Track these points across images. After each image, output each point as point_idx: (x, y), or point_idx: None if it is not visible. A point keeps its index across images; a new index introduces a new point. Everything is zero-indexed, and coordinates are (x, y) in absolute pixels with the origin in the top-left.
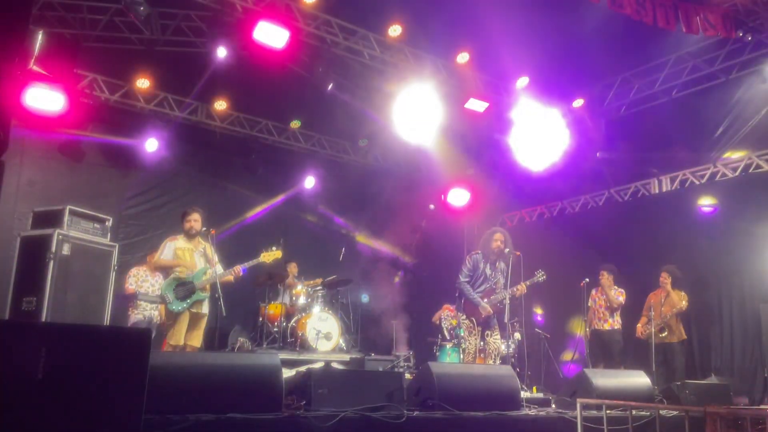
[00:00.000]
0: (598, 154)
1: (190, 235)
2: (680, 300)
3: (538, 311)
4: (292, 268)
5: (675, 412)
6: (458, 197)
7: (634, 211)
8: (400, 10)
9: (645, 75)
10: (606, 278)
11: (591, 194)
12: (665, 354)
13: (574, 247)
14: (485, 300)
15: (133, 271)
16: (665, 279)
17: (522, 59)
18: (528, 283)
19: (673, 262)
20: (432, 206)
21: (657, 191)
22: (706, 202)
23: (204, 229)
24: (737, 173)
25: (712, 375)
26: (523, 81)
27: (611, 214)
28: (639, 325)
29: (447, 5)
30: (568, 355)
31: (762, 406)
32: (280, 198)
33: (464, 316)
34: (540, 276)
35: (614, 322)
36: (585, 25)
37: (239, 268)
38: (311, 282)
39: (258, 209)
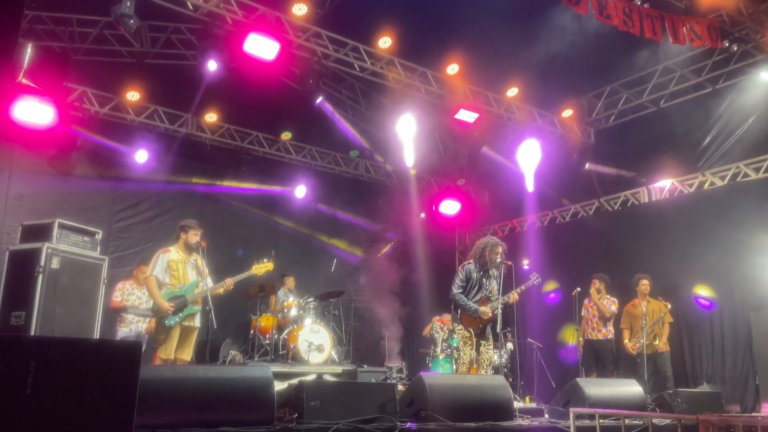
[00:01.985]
0: (587, 165)
1: (190, 248)
2: (663, 307)
3: (525, 262)
4: (289, 282)
5: (668, 421)
6: (449, 207)
7: (624, 220)
8: (390, 22)
9: (633, 85)
10: (597, 287)
11: (581, 204)
12: (656, 363)
13: (565, 256)
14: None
15: (119, 285)
16: (646, 287)
17: (511, 70)
18: (523, 288)
19: (663, 271)
20: (422, 215)
21: (646, 200)
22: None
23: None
24: (725, 182)
25: (703, 383)
26: (512, 92)
27: (602, 224)
28: (627, 342)
29: (437, 17)
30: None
31: (754, 414)
32: (271, 188)
33: (461, 327)
34: (535, 279)
35: (607, 332)
36: (573, 36)
37: (231, 282)
38: (293, 303)
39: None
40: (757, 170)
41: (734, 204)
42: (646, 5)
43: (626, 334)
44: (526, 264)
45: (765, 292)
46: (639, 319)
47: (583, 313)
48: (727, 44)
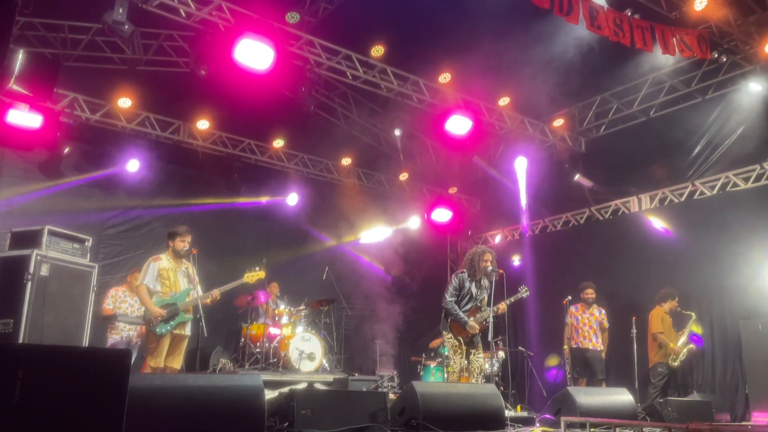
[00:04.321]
0: (576, 177)
1: (179, 255)
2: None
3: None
4: (273, 288)
5: (658, 430)
6: (441, 215)
7: (615, 229)
8: (382, 31)
9: (623, 95)
10: (588, 295)
11: (572, 212)
12: (672, 373)
13: (557, 264)
14: (471, 319)
15: (112, 291)
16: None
17: (503, 80)
18: (512, 299)
19: (654, 280)
20: (414, 222)
21: (637, 209)
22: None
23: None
24: (715, 192)
25: (693, 392)
26: (504, 101)
27: (592, 232)
28: (677, 346)
29: (429, 26)
30: (552, 361)
31: (743, 423)
32: (263, 200)
33: (450, 336)
34: (524, 292)
35: (597, 343)
36: (565, 46)
37: (217, 293)
38: (284, 311)
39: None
40: (746, 180)
41: (724, 214)
42: (636, 16)
43: (663, 338)
44: (516, 260)
45: (754, 301)
46: (670, 329)
47: (570, 321)
48: (716, 55)
